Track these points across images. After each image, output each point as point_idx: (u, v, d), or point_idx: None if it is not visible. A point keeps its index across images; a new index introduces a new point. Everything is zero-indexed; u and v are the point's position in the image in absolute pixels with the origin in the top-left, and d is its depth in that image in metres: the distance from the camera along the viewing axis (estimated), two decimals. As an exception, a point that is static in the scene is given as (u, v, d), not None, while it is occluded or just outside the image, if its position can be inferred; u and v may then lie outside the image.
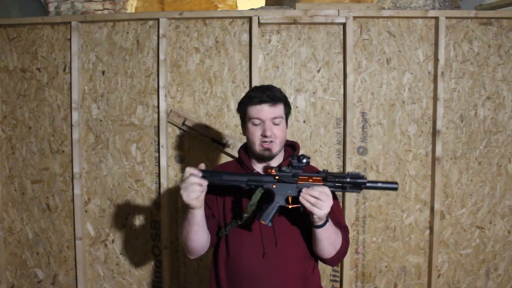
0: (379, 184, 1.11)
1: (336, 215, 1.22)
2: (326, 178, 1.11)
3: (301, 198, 1.06)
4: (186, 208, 1.12)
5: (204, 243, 1.19)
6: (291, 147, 1.33)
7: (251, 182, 1.14)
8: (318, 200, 1.05)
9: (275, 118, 1.20)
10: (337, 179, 1.10)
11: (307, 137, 1.99)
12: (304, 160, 1.11)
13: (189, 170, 1.08)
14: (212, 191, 1.20)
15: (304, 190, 1.07)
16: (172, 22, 2.01)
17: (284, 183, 1.12)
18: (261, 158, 1.24)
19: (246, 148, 1.30)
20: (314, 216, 1.07)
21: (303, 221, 1.19)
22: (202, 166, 1.12)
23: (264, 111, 1.19)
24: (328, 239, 1.13)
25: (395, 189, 1.12)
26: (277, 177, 1.13)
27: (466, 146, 2.00)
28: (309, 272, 1.23)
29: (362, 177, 1.09)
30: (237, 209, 1.23)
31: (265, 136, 1.18)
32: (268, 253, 1.17)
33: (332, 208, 1.14)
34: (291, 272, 1.18)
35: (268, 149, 1.20)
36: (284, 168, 1.13)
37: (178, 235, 1.25)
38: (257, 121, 1.20)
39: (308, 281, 1.22)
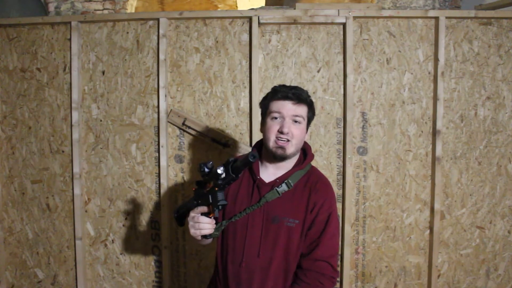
0: (238, 163, 1.07)
1: (320, 248, 1.16)
2: (201, 183, 1.16)
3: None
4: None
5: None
6: (302, 150, 1.28)
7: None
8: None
9: (296, 116, 1.17)
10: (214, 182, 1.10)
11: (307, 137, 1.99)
12: (202, 169, 1.13)
13: (199, 209, 1.14)
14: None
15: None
16: (172, 22, 2.01)
17: (203, 198, 1.15)
18: (273, 157, 1.19)
19: (259, 149, 1.27)
20: None
21: (292, 237, 1.17)
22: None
23: (286, 107, 1.16)
24: None
25: (251, 161, 1.03)
26: (197, 202, 1.17)
27: (466, 146, 2.00)
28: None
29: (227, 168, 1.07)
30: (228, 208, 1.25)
31: (281, 133, 1.15)
32: (248, 263, 1.16)
33: (316, 236, 1.16)
34: (274, 285, 1.16)
35: (282, 148, 1.16)
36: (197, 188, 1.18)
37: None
38: (276, 115, 1.17)
39: None
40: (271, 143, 1.17)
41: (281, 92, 1.18)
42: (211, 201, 1.11)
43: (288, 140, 1.16)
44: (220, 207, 1.10)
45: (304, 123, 1.20)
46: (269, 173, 1.23)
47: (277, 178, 1.20)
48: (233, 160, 1.07)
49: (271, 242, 1.16)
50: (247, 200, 1.20)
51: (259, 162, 1.25)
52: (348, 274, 1.99)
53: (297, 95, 1.17)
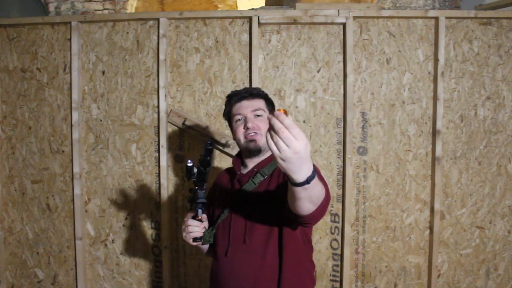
0: (201, 156, 1.08)
1: None
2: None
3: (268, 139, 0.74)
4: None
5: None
6: None
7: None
8: (280, 131, 0.70)
9: (256, 110, 1.22)
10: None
11: (307, 137, 1.99)
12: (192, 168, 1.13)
13: (189, 215, 1.19)
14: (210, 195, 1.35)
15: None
16: (172, 22, 2.01)
17: (192, 202, 1.19)
18: (249, 153, 1.23)
19: (240, 155, 1.32)
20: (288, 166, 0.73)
21: (279, 217, 1.14)
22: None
23: (244, 106, 1.23)
24: (309, 198, 0.86)
25: (208, 148, 1.04)
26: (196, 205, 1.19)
27: (466, 146, 2.00)
28: (291, 274, 1.15)
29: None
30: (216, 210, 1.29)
31: (247, 129, 1.20)
32: (234, 251, 1.16)
33: None
34: (262, 271, 1.13)
35: (253, 140, 1.20)
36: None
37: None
38: (239, 117, 1.23)
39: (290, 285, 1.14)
40: (242, 142, 1.23)
41: (234, 96, 1.27)
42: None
43: (256, 133, 1.21)
44: (200, 205, 1.12)
45: (266, 114, 1.25)
46: (249, 168, 1.27)
47: (254, 167, 1.24)
48: (200, 155, 1.11)
49: (259, 228, 1.15)
50: (230, 196, 1.24)
51: (241, 166, 1.29)
52: (348, 274, 1.99)
53: (249, 92, 1.26)
